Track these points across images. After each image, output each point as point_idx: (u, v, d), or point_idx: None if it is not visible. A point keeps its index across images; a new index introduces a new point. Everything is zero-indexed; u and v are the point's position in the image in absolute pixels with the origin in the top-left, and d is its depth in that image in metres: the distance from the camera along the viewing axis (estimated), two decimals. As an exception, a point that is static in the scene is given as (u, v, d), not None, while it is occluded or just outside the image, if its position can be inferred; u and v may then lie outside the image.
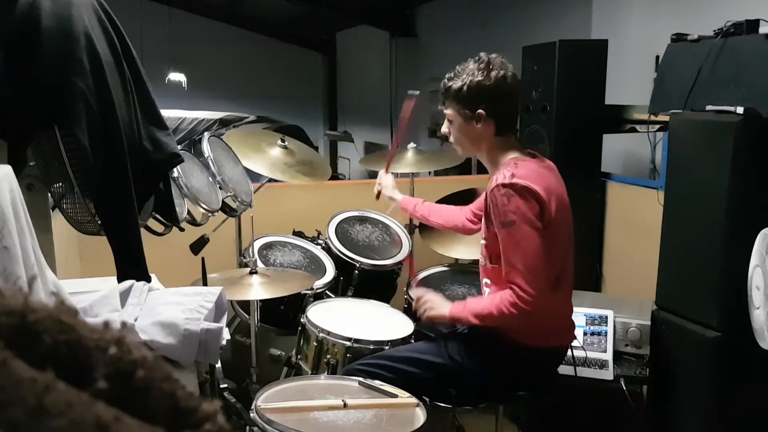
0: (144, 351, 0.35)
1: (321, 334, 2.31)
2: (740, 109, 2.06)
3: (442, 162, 3.62)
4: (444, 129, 2.18)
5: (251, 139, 3.28)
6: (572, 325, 2.22)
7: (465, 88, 2.05)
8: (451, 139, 2.17)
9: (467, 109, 2.06)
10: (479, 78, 2.03)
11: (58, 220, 1.97)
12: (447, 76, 2.11)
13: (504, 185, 1.94)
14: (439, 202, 3.31)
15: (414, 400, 1.87)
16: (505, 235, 1.96)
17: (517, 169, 1.97)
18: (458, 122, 2.11)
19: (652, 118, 2.67)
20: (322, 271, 2.92)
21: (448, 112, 2.13)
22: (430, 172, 4.79)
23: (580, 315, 2.59)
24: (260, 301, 2.60)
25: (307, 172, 3.18)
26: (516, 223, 1.93)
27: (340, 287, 2.92)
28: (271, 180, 3.38)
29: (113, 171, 1.75)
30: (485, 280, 2.18)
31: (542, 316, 2.00)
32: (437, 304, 2.17)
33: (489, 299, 2.05)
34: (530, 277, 1.92)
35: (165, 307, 1.57)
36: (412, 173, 3.39)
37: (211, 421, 0.35)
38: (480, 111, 2.04)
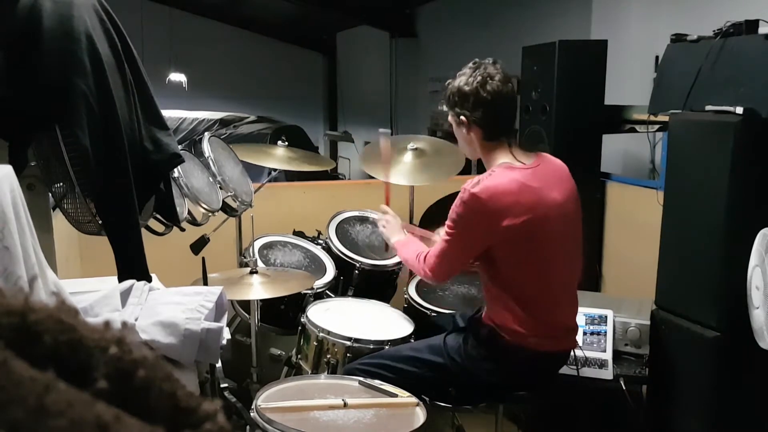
0: (144, 351, 0.35)
1: (321, 334, 2.31)
2: (740, 109, 2.06)
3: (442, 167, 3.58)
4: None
5: (253, 147, 3.59)
6: (573, 329, 2.20)
7: (450, 94, 2.08)
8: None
9: (455, 115, 2.09)
10: (461, 84, 2.04)
11: (58, 220, 1.97)
12: (447, 81, 2.13)
13: (465, 189, 1.98)
14: (438, 202, 3.31)
15: (414, 399, 1.87)
16: (447, 222, 2.05)
17: (489, 178, 1.98)
18: (454, 127, 2.14)
19: (652, 118, 2.67)
20: (323, 271, 2.92)
21: (449, 117, 2.16)
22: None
23: (579, 315, 2.58)
24: (260, 300, 2.60)
25: (312, 162, 3.39)
26: (456, 221, 2.00)
27: (340, 287, 2.91)
28: (270, 180, 3.40)
29: (114, 171, 1.75)
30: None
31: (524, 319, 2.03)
32: (391, 229, 2.36)
33: (417, 253, 2.17)
34: (440, 262, 2.07)
35: (165, 307, 1.57)
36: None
37: (212, 420, 0.35)
38: (462, 117, 2.06)
